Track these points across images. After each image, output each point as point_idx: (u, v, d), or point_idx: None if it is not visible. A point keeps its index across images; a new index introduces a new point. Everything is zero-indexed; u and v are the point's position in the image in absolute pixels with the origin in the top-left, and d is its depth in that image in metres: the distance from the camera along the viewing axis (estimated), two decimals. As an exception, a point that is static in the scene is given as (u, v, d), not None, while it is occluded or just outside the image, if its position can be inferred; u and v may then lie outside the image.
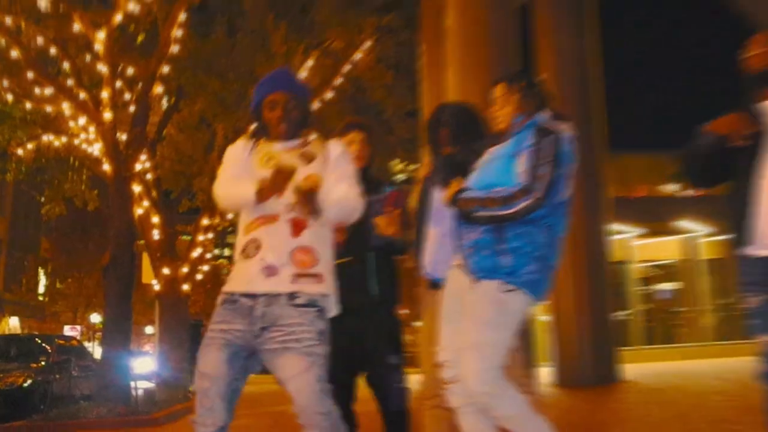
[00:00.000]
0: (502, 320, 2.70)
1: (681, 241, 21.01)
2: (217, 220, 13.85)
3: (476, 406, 2.75)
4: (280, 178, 2.49)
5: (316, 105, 13.41)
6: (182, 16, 10.86)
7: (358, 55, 13.40)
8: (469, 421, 2.84)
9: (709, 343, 18.29)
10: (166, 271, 13.65)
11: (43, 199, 15.71)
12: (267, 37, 12.73)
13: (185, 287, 14.05)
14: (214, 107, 12.67)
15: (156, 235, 13.55)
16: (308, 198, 2.47)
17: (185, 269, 14.00)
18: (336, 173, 2.65)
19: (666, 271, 22.35)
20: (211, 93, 12.38)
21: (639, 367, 14.20)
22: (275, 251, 2.51)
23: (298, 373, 2.42)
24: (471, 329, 2.74)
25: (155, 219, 13.51)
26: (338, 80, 13.51)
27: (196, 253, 14.28)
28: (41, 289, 35.77)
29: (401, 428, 3.64)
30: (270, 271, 2.49)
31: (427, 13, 12.87)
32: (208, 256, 14.90)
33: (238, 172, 2.69)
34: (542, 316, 14.59)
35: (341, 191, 2.58)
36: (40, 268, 35.70)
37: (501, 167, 2.81)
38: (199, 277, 14.59)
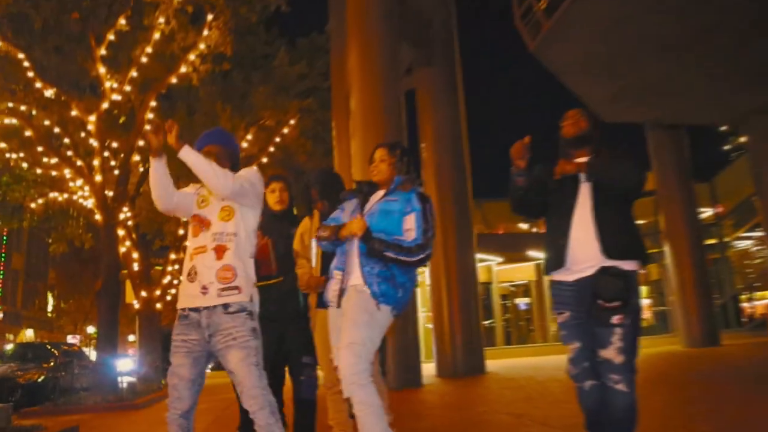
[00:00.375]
0: (375, 328, 3.04)
1: (532, 267, 22.27)
2: (182, 255, 13.72)
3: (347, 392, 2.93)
4: (156, 128, 2.88)
5: (253, 168, 15.88)
6: (153, 102, 11.97)
7: (285, 130, 14.91)
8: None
9: (554, 344, 18.84)
10: (143, 293, 14.83)
11: (50, 240, 16.69)
12: (217, 117, 13.88)
13: (158, 306, 15.27)
14: (178, 170, 14.44)
15: (136, 266, 14.62)
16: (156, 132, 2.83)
17: (158, 292, 15.22)
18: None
19: (521, 289, 24.02)
20: (176, 159, 14.30)
21: (500, 362, 15.56)
22: (206, 274, 2.90)
23: (239, 361, 2.83)
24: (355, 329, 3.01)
25: (135, 255, 14.57)
26: (271, 148, 15.08)
27: (166, 279, 15.42)
28: (50, 307, 39.22)
29: (309, 414, 3.96)
30: (204, 290, 2.88)
31: (337, 97, 14.18)
32: (176, 282, 15.26)
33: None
34: (427, 324, 16.00)
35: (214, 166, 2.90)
36: (48, 292, 39.18)
37: (394, 220, 3.12)
38: (168, 298, 15.50)
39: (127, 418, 8.75)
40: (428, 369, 12.60)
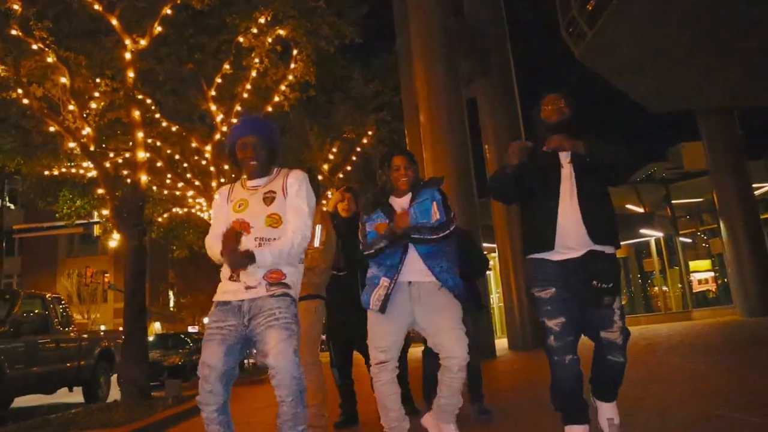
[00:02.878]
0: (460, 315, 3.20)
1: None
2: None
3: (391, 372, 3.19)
4: (228, 241, 2.57)
5: (340, 175, 16.17)
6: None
7: (365, 140, 15.98)
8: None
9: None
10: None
11: (174, 246, 17.73)
12: (305, 135, 15.14)
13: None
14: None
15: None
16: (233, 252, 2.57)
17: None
18: (290, 212, 2.73)
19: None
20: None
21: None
22: (253, 277, 2.63)
23: (279, 341, 2.50)
24: (451, 318, 3.14)
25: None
26: (353, 157, 16.24)
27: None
28: (171, 303, 41.78)
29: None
30: (250, 289, 2.63)
31: (407, 108, 15.31)
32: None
33: (217, 230, 2.73)
34: (499, 303, 17.33)
35: (281, 245, 2.64)
36: (169, 290, 41.54)
37: (426, 211, 3.26)
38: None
39: (256, 390, 9.53)
40: (502, 343, 13.39)
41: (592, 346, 3.02)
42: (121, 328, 9.66)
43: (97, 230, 21.65)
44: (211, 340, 2.60)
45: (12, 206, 27.78)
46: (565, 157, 3.00)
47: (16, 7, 7.50)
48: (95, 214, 17.02)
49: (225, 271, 2.73)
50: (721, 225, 17.94)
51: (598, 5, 11.45)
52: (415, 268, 3.25)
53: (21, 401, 8.87)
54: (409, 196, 3.36)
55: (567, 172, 2.97)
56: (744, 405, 3.87)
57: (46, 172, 12.69)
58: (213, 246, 2.73)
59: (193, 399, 3.28)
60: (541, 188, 2.99)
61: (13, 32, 7.58)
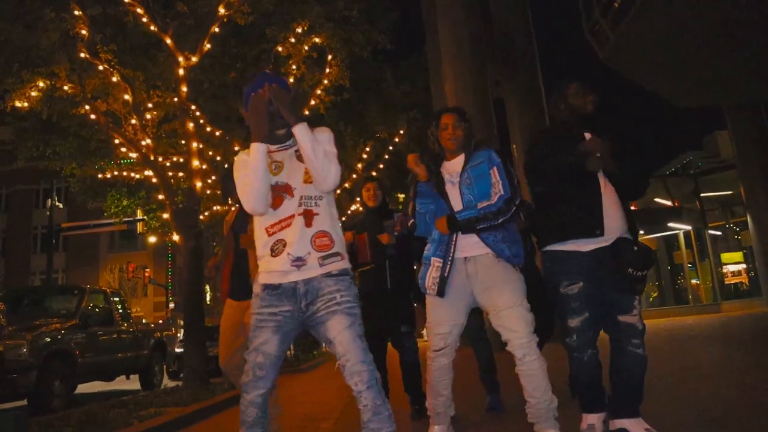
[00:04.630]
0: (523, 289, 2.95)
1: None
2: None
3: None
4: (259, 104, 2.42)
5: (373, 173, 15.82)
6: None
7: (396, 139, 16.49)
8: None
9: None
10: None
11: (214, 242, 18.80)
12: (341, 135, 15.29)
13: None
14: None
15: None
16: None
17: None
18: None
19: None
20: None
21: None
22: (299, 244, 2.39)
23: (343, 329, 2.33)
24: (510, 295, 2.88)
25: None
26: (386, 156, 16.78)
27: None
28: (208, 298, 42.71)
29: (415, 373, 4.26)
30: (299, 262, 2.38)
31: (437, 107, 15.85)
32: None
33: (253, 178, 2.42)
34: None
35: (318, 158, 2.38)
36: (206, 284, 43.04)
37: (488, 180, 2.99)
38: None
39: (298, 379, 10.03)
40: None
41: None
42: (160, 321, 10.40)
43: (140, 227, 22.83)
44: (263, 327, 2.41)
45: (60, 205, 29.11)
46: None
47: (83, 32, 8.31)
48: (138, 212, 17.86)
49: (264, 248, 2.47)
50: (748, 217, 18.07)
51: (621, 7, 11.84)
52: (468, 241, 3.00)
53: (81, 388, 9.59)
54: (461, 158, 3.11)
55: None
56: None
57: (99, 175, 13.62)
58: (242, 190, 2.46)
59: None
60: (577, 172, 2.88)
61: (82, 55, 8.40)
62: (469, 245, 2.99)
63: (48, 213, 22.96)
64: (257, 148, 2.41)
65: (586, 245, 2.86)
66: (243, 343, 3.47)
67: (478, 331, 4.29)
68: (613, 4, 12.07)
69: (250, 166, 2.42)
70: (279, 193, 2.47)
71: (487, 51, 13.75)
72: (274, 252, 2.41)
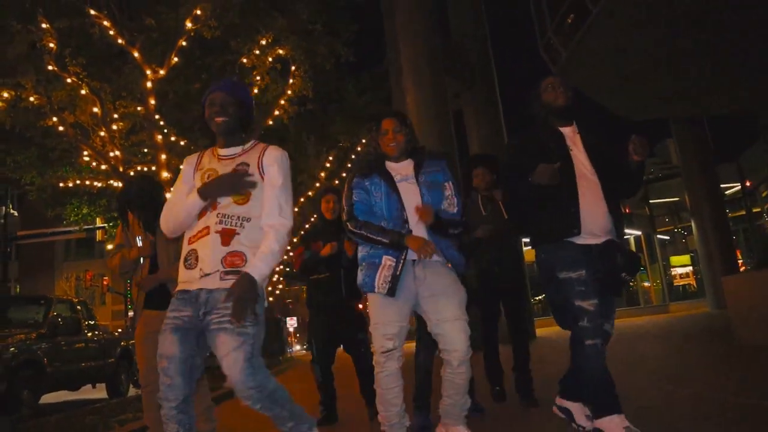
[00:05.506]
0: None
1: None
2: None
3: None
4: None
5: (336, 182, 16.35)
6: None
7: (358, 148, 16.63)
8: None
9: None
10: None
11: None
12: (303, 145, 16.18)
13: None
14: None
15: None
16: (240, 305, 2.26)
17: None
18: (267, 201, 2.41)
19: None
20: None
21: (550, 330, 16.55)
22: (211, 261, 2.34)
23: (230, 351, 2.24)
24: (456, 305, 2.84)
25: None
26: (348, 165, 16.76)
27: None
28: None
29: (370, 379, 3.92)
30: (205, 275, 2.34)
31: None
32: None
33: (176, 200, 2.46)
34: None
35: (266, 247, 2.35)
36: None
37: (441, 191, 2.98)
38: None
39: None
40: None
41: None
42: (119, 330, 10.36)
43: (99, 235, 22.58)
44: (164, 330, 2.35)
45: (15, 213, 28.37)
46: (572, 138, 2.97)
47: (51, 45, 8.45)
48: (98, 220, 18.13)
49: (182, 257, 2.46)
50: (692, 223, 19.05)
51: (572, 27, 12.48)
52: None
53: (46, 398, 9.35)
54: (409, 162, 3.05)
55: (580, 157, 2.93)
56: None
57: (61, 184, 13.60)
58: (165, 215, 2.50)
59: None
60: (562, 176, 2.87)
61: (50, 68, 8.53)
62: None
63: (2, 221, 22.41)
64: (198, 203, 2.43)
65: (577, 240, 2.86)
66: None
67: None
68: (565, 20, 12.71)
69: (186, 208, 2.44)
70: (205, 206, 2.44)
71: (446, 64, 14.20)
72: (187, 264, 2.41)
